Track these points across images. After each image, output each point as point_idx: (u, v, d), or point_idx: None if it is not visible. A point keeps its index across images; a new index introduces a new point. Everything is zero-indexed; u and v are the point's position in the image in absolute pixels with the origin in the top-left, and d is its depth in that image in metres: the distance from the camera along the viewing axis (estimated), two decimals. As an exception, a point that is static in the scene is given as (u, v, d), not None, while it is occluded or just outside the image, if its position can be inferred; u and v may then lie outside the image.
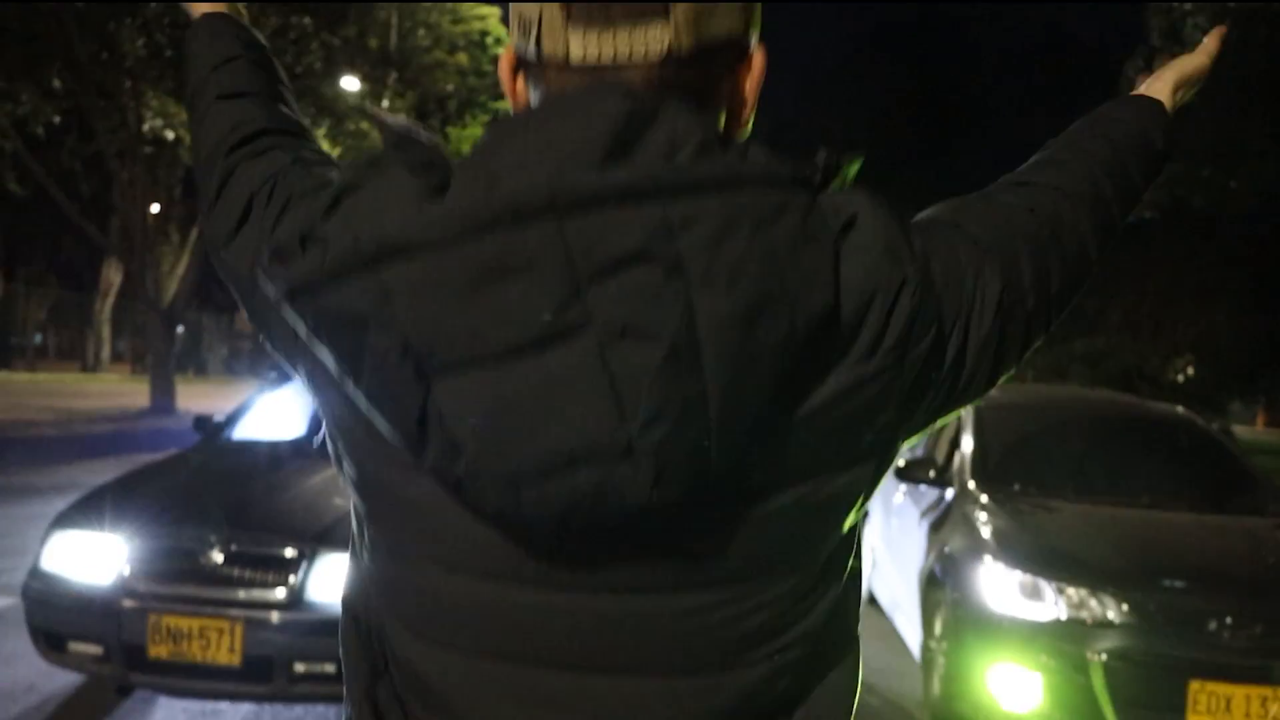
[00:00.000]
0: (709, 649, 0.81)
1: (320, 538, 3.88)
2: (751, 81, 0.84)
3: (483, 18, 23.31)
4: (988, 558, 4.34)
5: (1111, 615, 3.93)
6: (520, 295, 0.67)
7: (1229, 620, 3.84)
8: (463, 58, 22.13)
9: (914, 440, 0.90)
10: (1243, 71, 12.84)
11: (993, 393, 3.59)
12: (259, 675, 3.68)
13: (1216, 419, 35.19)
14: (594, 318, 0.67)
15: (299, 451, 5.12)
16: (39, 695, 4.36)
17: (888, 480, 3.20)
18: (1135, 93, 1.16)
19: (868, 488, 0.84)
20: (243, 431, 5.61)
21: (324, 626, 3.72)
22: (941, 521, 5.04)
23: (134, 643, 3.68)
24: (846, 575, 0.89)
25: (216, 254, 0.97)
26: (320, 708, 4.33)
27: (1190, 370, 32.14)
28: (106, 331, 33.64)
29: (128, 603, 3.73)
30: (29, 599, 3.99)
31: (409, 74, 20.03)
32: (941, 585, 4.62)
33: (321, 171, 0.95)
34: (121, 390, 25.27)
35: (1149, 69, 1.26)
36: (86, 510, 4.18)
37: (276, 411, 5.70)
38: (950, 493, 5.16)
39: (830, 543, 0.84)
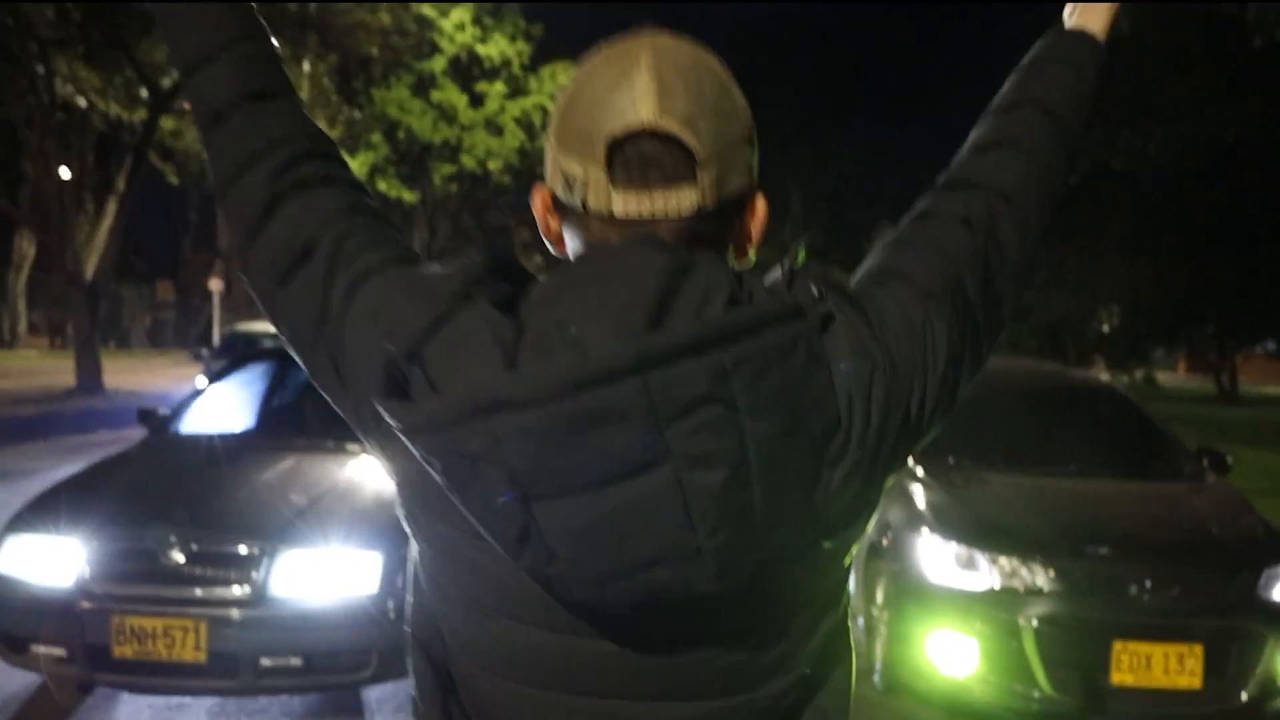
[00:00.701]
0: (739, 678, 1.00)
1: (279, 535, 3.94)
2: (756, 222, 1.05)
3: (405, -25, 23.18)
4: (925, 530, 4.61)
5: (1041, 583, 4.22)
6: (613, 437, 0.82)
7: (1149, 584, 4.14)
8: (385, 17, 22.01)
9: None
10: (1168, 40, 13.29)
11: None
12: (225, 671, 3.77)
13: (1141, 367, 36.36)
14: (672, 451, 0.83)
15: (248, 446, 5.23)
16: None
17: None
18: (1070, 28, 1.27)
19: (866, 528, 1.04)
20: (190, 425, 5.63)
21: (287, 621, 3.84)
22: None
23: (98, 643, 3.74)
24: (844, 592, 1.08)
25: (265, 290, 1.06)
26: (285, 699, 4.41)
27: (1115, 321, 33.11)
28: (22, 305, 33.18)
29: (89, 605, 3.79)
30: None
31: (330, 36, 19.85)
32: (882, 556, 4.90)
33: (388, 233, 1.09)
34: (43, 368, 24.93)
35: None
36: (41, 512, 4.20)
37: (220, 404, 5.79)
38: None
39: (837, 578, 1.05)
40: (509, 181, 34.71)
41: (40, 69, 16.71)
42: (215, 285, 29.64)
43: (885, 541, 4.97)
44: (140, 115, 19.01)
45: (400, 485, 1.02)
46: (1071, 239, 25.74)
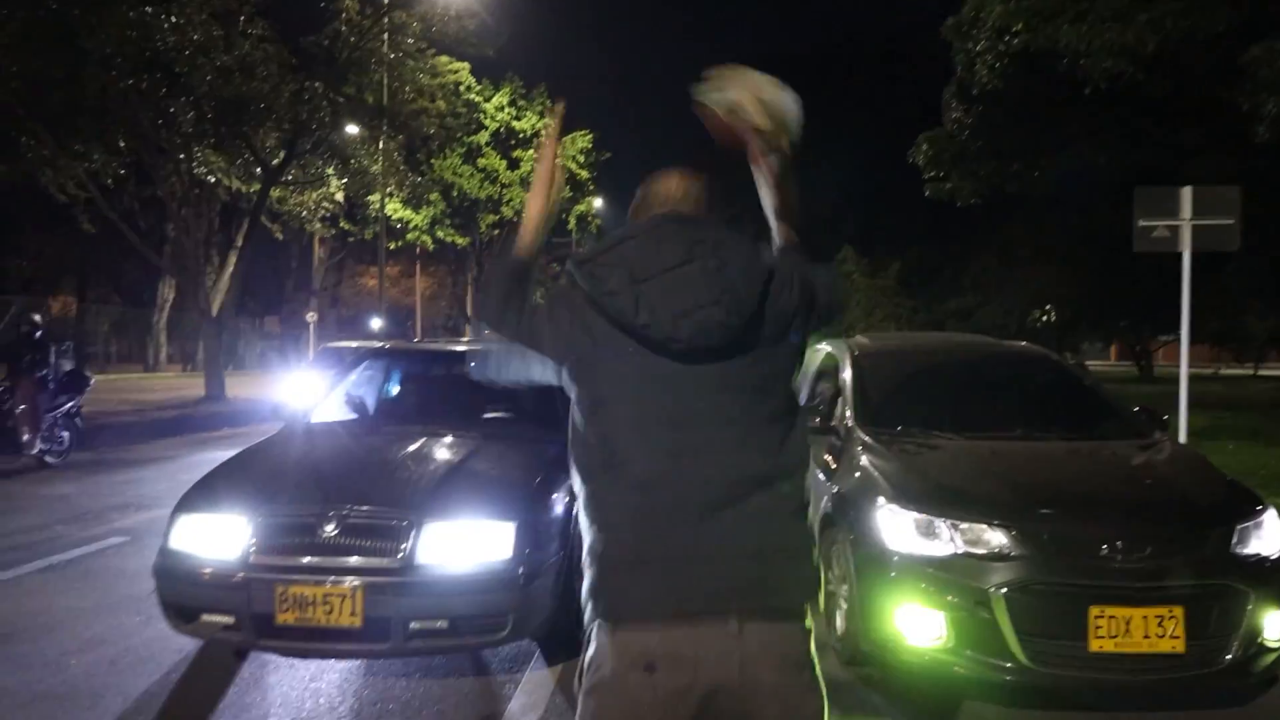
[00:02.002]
0: (753, 420, 1.58)
1: (423, 507, 3.70)
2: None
3: (455, 71, 24.28)
4: (881, 499, 3.84)
5: (1007, 548, 3.49)
6: (673, 248, 1.54)
7: (1120, 544, 3.43)
8: (441, 104, 22.88)
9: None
10: (1032, 91, 14.14)
11: (865, 341, 5.94)
12: (378, 635, 3.49)
13: (1074, 356, 36.32)
14: (697, 256, 1.53)
15: (376, 431, 5.01)
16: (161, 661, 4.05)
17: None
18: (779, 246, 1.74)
19: (798, 361, 1.66)
20: (320, 416, 5.38)
21: (435, 587, 3.57)
22: (832, 465, 4.54)
23: (263, 611, 3.49)
24: (796, 414, 1.65)
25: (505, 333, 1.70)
26: (432, 661, 4.11)
27: (1051, 316, 33.37)
28: (163, 338, 34.31)
29: (255, 575, 3.55)
30: (160, 577, 3.76)
31: (398, 121, 20.67)
32: (838, 526, 4.16)
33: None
34: (179, 384, 25.37)
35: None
36: (205, 494, 3.97)
37: (342, 398, 5.50)
38: (836, 438, 4.69)
39: (788, 382, 1.64)
40: (541, 226, 35.48)
41: (181, 156, 17.88)
42: (310, 317, 31.01)
43: (839, 511, 4.18)
44: (255, 187, 20.01)
45: (576, 376, 1.60)
46: (1000, 251, 26.42)
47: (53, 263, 32.76)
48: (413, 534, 3.61)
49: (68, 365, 10.40)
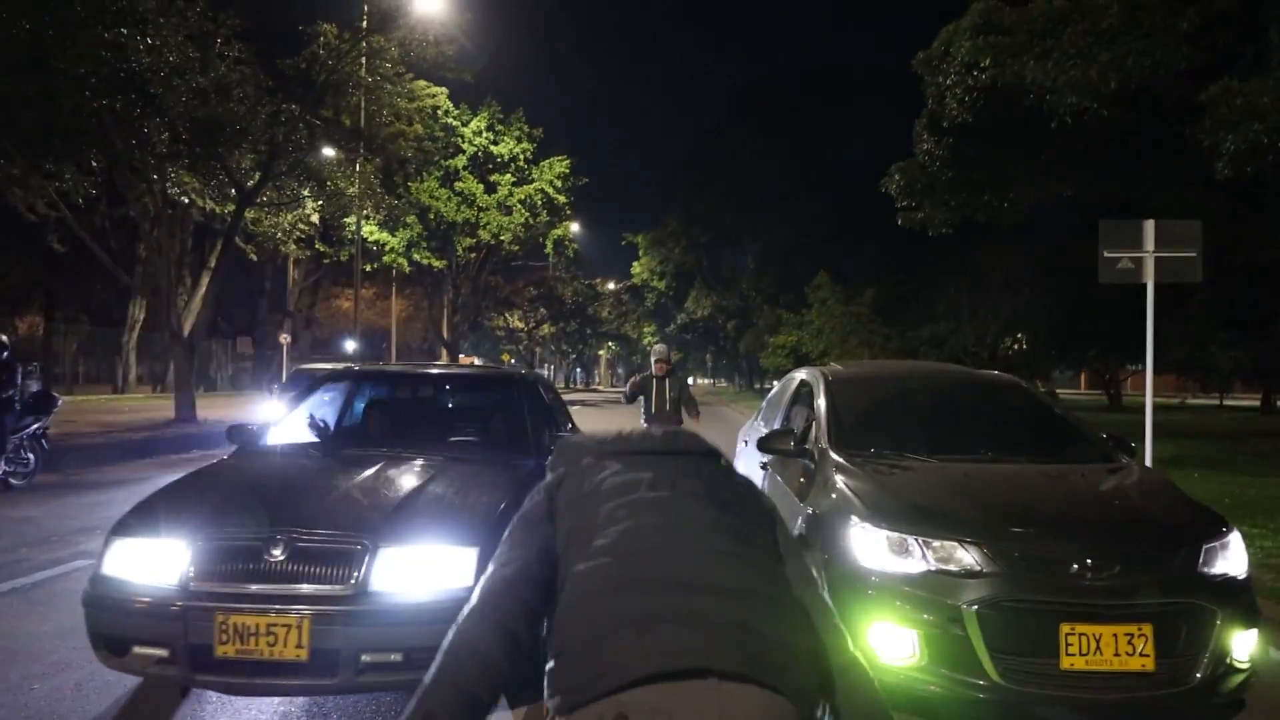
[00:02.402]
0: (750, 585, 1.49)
1: (378, 532, 3.47)
2: None
3: (433, 95, 24.49)
4: (854, 518, 3.87)
5: (979, 566, 3.51)
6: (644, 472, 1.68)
7: (1089, 562, 3.46)
8: (419, 128, 23.13)
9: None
10: (1000, 125, 14.49)
11: (839, 368, 6.21)
12: (326, 668, 3.22)
13: (1045, 384, 36.54)
14: (676, 486, 1.64)
15: (334, 455, 4.68)
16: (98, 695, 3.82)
17: (750, 452, 5.62)
18: None
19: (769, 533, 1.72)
20: (276, 439, 5.11)
21: (388, 617, 3.30)
22: (806, 486, 4.59)
23: (200, 643, 3.20)
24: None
25: None
26: (387, 697, 3.85)
27: (1022, 345, 33.81)
28: (133, 359, 33.90)
29: (192, 604, 3.26)
30: (90, 606, 3.44)
31: (375, 144, 20.78)
32: (810, 546, 4.15)
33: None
34: (149, 406, 24.92)
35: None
36: (144, 516, 3.65)
37: (301, 421, 5.17)
38: (810, 461, 4.74)
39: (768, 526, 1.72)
40: (517, 250, 35.65)
41: (155, 176, 17.70)
42: (284, 339, 30.84)
43: (812, 531, 4.19)
44: (229, 208, 19.91)
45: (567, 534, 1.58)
46: (971, 279, 26.81)
47: (20, 282, 32.38)
48: (366, 559, 3.38)
49: (34, 386, 10.31)
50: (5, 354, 9.66)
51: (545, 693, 1.40)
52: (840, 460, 4.47)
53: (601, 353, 68.10)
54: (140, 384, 35.91)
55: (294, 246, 24.33)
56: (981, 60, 12.23)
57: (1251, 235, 15.15)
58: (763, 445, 5.01)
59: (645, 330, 67.75)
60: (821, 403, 5.12)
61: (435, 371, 6.80)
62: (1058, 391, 48.64)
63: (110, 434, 15.90)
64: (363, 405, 5.82)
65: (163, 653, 3.30)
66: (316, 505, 3.76)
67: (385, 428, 5.27)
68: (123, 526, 3.61)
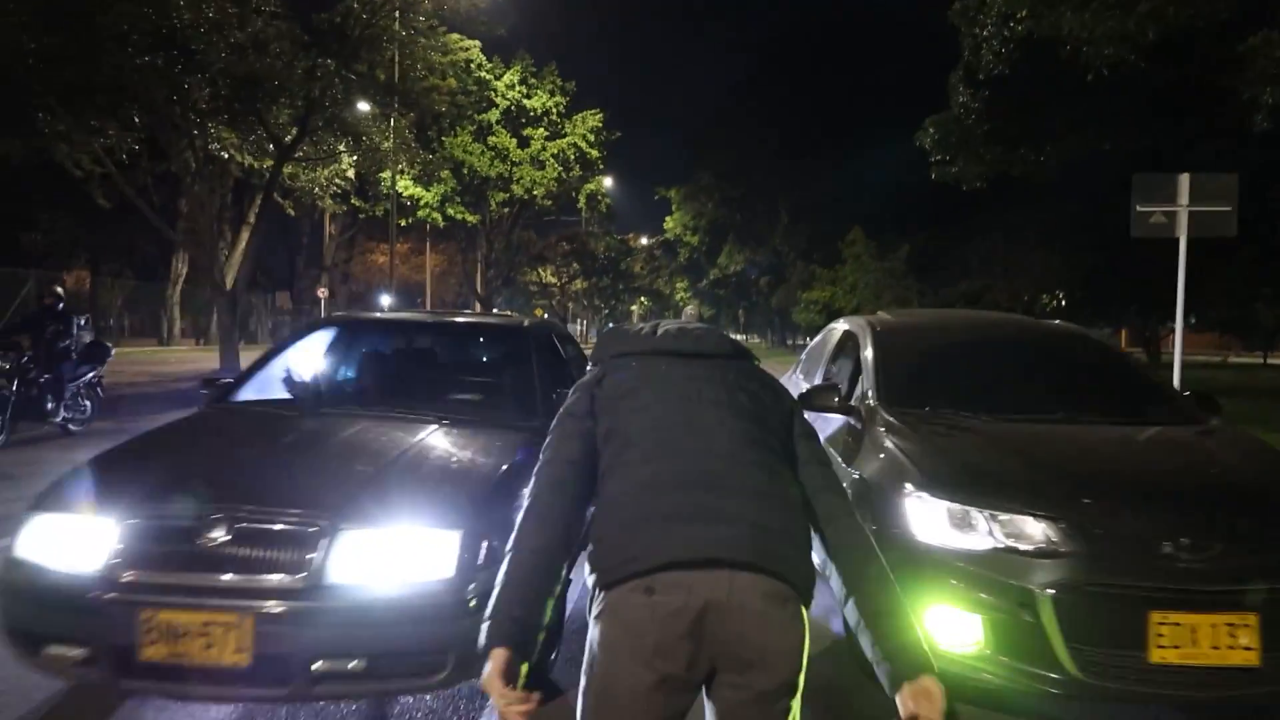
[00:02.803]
0: (751, 411, 1.87)
1: (340, 510, 2.86)
2: None
3: (466, 49, 24.47)
4: (909, 486, 3.37)
5: (1054, 543, 3.04)
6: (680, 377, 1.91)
7: (1184, 541, 2.97)
8: (452, 82, 23.15)
9: None
10: (1038, 76, 14.33)
11: (886, 316, 5.39)
12: (273, 676, 2.68)
13: None
14: (703, 393, 1.87)
15: (313, 414, 3.96)
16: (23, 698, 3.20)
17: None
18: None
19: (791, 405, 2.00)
20: (251, 393, 4.42)
21: (348, 615, 2.73)
22: (852, 448, 4.07)
23: (124, 643, 2.66)
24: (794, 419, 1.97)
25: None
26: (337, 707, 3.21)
27: (1060, 301, 33.42)
28: (176, 312, 34.72)
29: (115, 595, 2.71)
30: (2, 595, 2.89)
31: (409, 98, 20.83)
32: (862, 515, 3.56)
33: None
34: (193, 357, 25.78)
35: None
36: (72, 487, 3.09)
37: (285, 372, 4.56)
38: (856, 420, 4.23)
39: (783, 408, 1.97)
40: (550, 204, 35.69)
41: (196, 132, 18.17)
42: (322, 293, 31.39)
43: (859, 499, 3.55)
44: (268, 164, 20.29)
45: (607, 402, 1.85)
46: (1004, 235, 26.54)
47: (66, 237, 33.15)
48: (323, 544, 2.77)
49: (88, 337, 10.73)
50: (60, 305, 10.09)
51: (586, 568, 1.70)
52: (891, 419, 3.97)
53: (634, 308, 68.22)
54: (184, 337, 36.74)
55: (330, 201, 24.66)
56: (1018, 10, 12.07)
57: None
58: (804, 401, 4.28)
59: (678, 285, 67.68)
60: (869, 355, 4.60)
61: (434, 320, 5.82)
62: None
63: (160, 383, 16.47)
64: (350, 358, 5.23)
65: (81, 653, 2.77)
66: (273, 478, 3.18)
67: (376, 383, 4.71)
68: (44, 499, 3.05)
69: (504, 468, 3.39)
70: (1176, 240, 8.58)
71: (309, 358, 4.94)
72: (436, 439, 3.67)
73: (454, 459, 3.52)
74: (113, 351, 11.49)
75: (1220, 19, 10.60)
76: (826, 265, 37.59)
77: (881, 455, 3.74)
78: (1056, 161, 17.21)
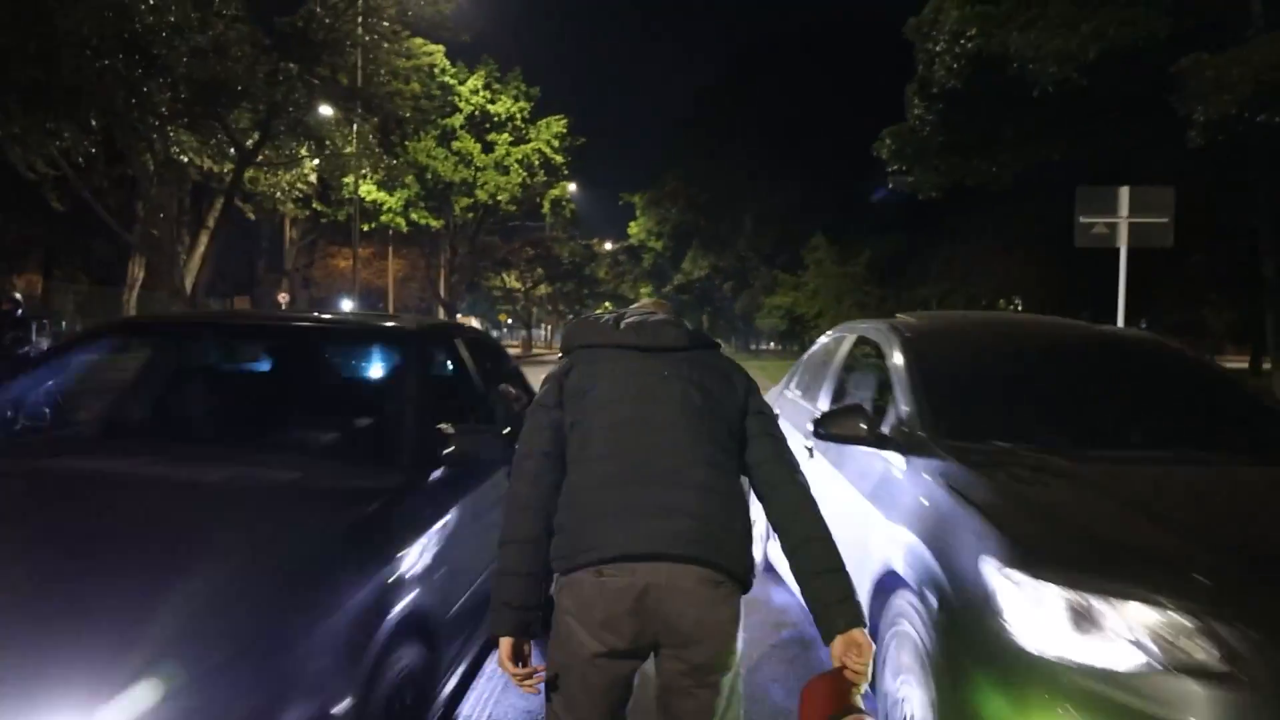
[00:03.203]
0: (700, 409, 2.00)
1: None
2: None
3: (430, 54, 24.47)
4: (993, 563, 2.27)
5: (1225, 652, 1.95)
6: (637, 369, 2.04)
7: None
8: (416, 86, 23.13)
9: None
10: (988, 91, 14.80)
11: (911, 320, 4.10)
12: None
13: None
14: (659, 392, 2.00)
15: (34, 466, 2.71)
16: None
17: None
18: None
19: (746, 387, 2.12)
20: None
21: None
22: (893, 496, 2.98)
23: None
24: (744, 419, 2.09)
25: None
26: None
27: (1017, 307, 34.01)
28: (132, 316, 34.05)
29: None
30: None
31: (373, 103, 20.81)
32: (921, 597, 2.52)
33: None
34: None
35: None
36: None
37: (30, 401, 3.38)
38: (899, 456, 3.05)
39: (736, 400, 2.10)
40: (515, 210, 35.69)
41: (155, 136, 17.99)
42: (282, 298, 31.01)
43: (913, 570, 2.61)
44: (228, 167, 20.18)
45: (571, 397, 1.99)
46: (961, 242, 27.01)
47: (18, 239, 32.51)
48: None
49: (45, 343, 10.72)
50: (19, 312, 10.07)
51: (553, 557, 1.90)
52: (949, 459, 2.82)
53: (599, 312, 68.00)
54: (140, 342, 35.99)
55: (292, 206, 24.48)
56: (968, 29, 12.46)
57: (1232, 199, 15.46)
58: (822, 427, 3.25)
59: (642, 291, 67.69)
60: (901, 369, 3.48)
61: (272, 324, 4.17)
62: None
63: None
64: (154, 380, 3.86)
65: None
66: None
67: (179, 410, 3.53)
68: None
69: (308, 568, 2.08)
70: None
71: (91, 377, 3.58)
72: (176, 518, 2.25)
73: (180, 565, 1.96)
74: (71, 357, 11.44)
75: (1159, 37, 11.05)
76: (790, 271, 37.97)
77: (944, 511, 2.62)
78: (1008, 172, 17.65)
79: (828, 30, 45.84)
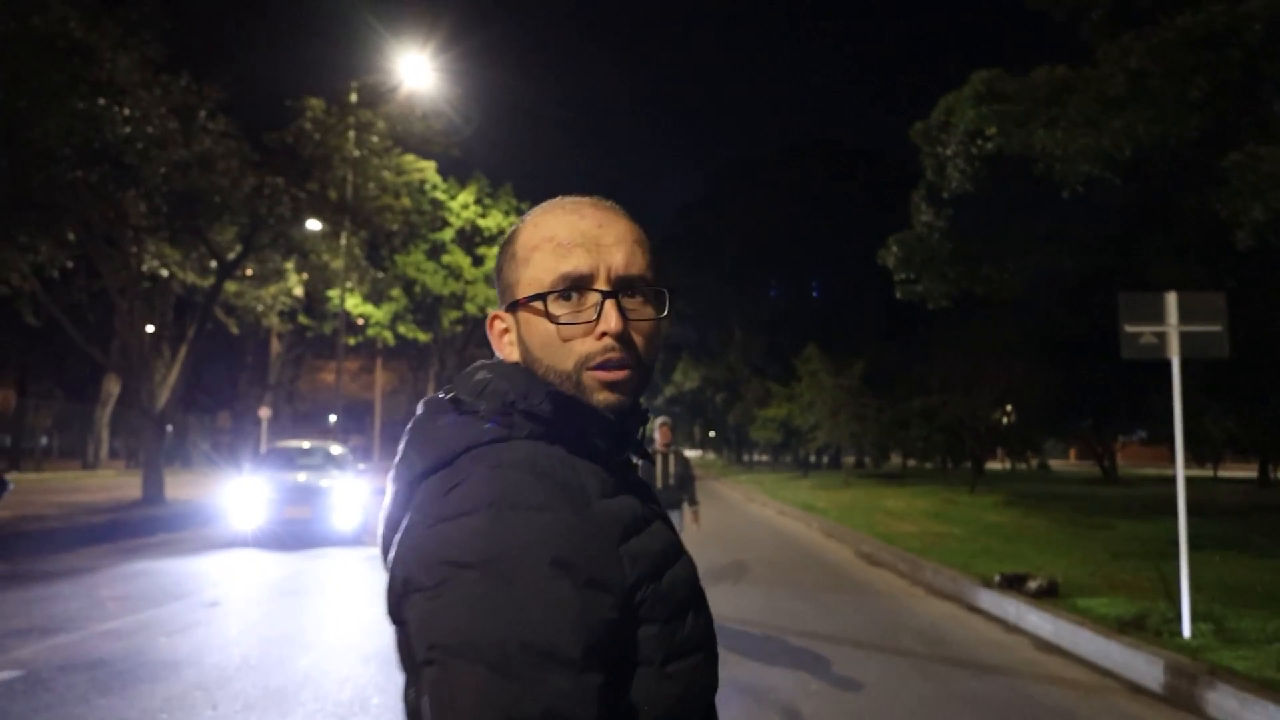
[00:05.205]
0: None
1: None
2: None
3: (420, 170, 24.17)
4: None
5: None
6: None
7: None
8: (406, 201, 22.69)
9: None
10: (1003, 195, 14.13)
11: None
12: None
13: (1035, 456, 36.11)
14: None
15: None
16: None
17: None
18: None
19: None
20: None
21: None
22: None
23: None
24: None
25: None
26: None
27: (1011, 417, 33.46)
28: (105, 434, 32.98)
29: None
30: None
31: (361, 217, 20.28)
32: None
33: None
34: (117, 484, 24.41)
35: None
36: None
37: None
38: None
39: None
40: (505, 323, 35.12)
41: (133, 249, 17.25)
42: (264, 413, 30.04)
43: None
44: (209, 281, 19.46)
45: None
46: (961, 351, 26.50)
47: (-6, 355, 31.57)
48: None
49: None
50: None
51: None
52: None
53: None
54: (115, 459, 34.91)
55: (276, 319, 23.75)
56: (986, 128, 11.85)
57: (1250, 308, 14.80)
58: None
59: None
60: None
61: None
62: (1050, 463, 48.05)
63: (69, 517, 15.03)
64: None
65: None
66: None
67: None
68: None
69: None
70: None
71: None
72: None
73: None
74: (12, 485, 10.26)
75: (1190, 138, 10.43)
76: (782, 382, 37.21)
77: None
78: (1019, 279, 17.05)
79: (800, 148, 46.74)
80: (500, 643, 0.77)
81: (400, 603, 0.87)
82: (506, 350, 1.05)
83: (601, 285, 0.96)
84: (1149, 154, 10.52)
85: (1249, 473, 36.25)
